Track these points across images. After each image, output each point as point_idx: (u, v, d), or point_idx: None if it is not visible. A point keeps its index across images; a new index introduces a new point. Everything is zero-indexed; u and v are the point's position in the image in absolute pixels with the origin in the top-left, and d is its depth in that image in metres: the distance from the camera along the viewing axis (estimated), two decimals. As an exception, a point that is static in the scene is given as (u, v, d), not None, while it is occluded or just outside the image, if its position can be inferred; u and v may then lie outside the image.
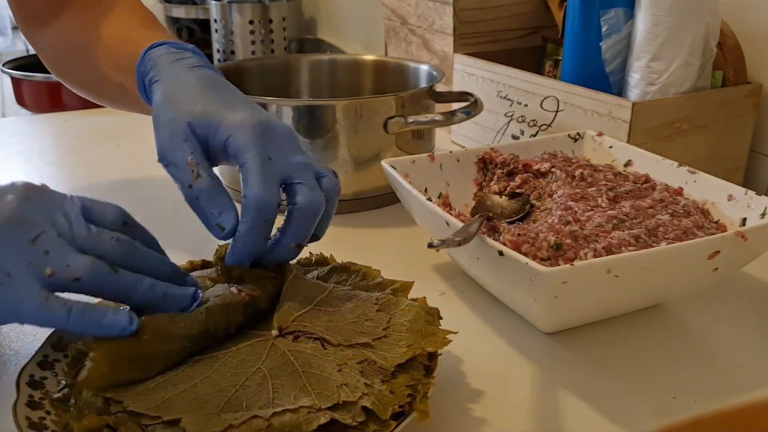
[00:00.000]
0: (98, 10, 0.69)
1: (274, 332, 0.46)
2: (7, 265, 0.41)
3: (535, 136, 0.88)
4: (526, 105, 0.90)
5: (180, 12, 1.91)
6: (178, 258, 0.57)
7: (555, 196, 0.64)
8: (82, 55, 0.70)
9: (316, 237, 0.53)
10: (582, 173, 0.66)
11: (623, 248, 0.54)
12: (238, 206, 0.49)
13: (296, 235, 0.50)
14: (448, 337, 0.47)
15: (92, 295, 0.43)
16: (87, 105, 0.93)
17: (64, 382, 0.45)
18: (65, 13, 0.71)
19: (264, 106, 0.78)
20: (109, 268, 0.43)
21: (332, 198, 0.53)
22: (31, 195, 0.44)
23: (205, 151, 0.51)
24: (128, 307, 0.45)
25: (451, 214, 0.60)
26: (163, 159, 0.51)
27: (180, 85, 0.55)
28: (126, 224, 0.47)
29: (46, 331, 0.50)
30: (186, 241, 0.71)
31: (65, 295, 0.42)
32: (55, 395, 0.44)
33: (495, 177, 0.70)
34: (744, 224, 0.59)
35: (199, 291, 0.47)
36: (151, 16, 0.70)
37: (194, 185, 0.49)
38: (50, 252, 0.42)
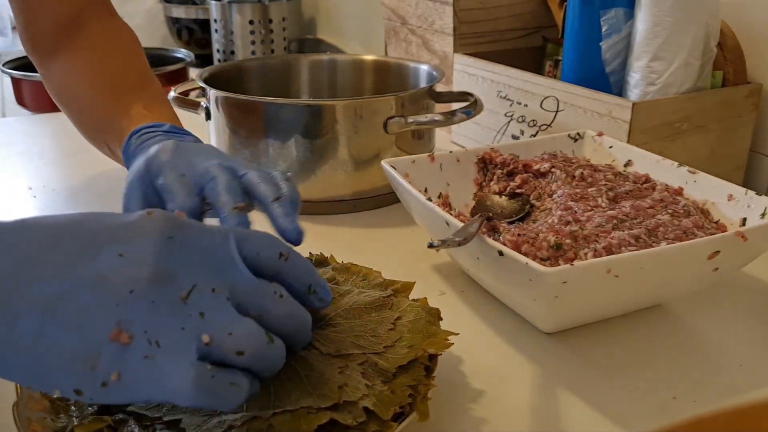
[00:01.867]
0: (91, 57, 0.70)
1: None
2: (155, 332, 0.33)
3: (535, 136, 0.88)
4: (526, 105, 0.90)
5: (180, 12, 1.91)
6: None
7: (555, 196, 0.64)
8: (75, 98, 0.71)
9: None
10: (582, 173, 0.66)
11: (623, 248, 0.54)
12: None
13: (224, 203, 0.48)
14: (449, 338, 0.47)
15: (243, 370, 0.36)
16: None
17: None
18: (64, 51, 0.71)
19: (264, 105, 0.78)
20: (266, 336, 0.36)
21: (267, 182, 0.50)
22: (174, 232, 0.36)
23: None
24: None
25: (451, 214, 0.60)
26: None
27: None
28: (282, 256, 0.39)
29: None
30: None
31: None
32: (56, 396, 0.44)
33: (495, 177, 0.70)
34: (744, 224, 0.59)
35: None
36: (141, 68, 0.72)
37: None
38: (206, 314, 0.34)
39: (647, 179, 0.66)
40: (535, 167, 0.68)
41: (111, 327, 0.33)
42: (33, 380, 0.33)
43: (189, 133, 0.63)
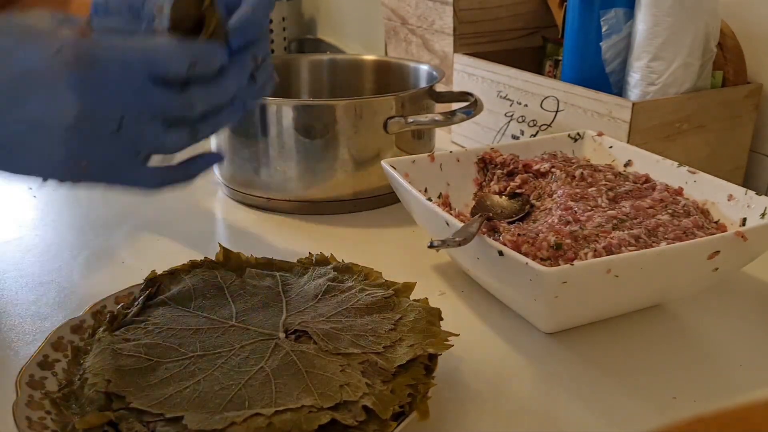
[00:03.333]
0: None
1: (281, 335, 0.46)
2: (104, 160, 0.42)
3: (535, 136, 0.88)
4: (526, 105, 0.90)
5: (180, 12, 1.91)
6: (179, 258, 0.57)
7: (555, 196, 0.64)
8: None
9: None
10: (582, 173, 0.66)
11: (623, 248, 0.54)
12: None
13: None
14: (449, 339, 0.47)
15: None
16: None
17: (64, 381, 0.45)
18: None
19: (264, 105, 0.78)
20: (191, 138, 0.44)
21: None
22: (86, 70, 0.40)
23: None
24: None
25: (451, 214, 0.60)
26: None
27: None
28: (192, 66, 0.42)
29: (46, 332, 0.50)
30: (187, 241, 0.71)
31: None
32: (56, 395, 0.44)
33: (495, 177, 0.70)
34: (744, 224, 0.59)
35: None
36: None
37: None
38: (140, 138, 0.42)
39: (647, 179, 0.66)
40: (535, 167, 0.68)
41: (72, 158, 0.42)
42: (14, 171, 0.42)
43: None
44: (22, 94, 0.40)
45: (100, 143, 0.41)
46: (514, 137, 0.92)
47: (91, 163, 0.42)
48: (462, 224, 0.54)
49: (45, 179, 0.43)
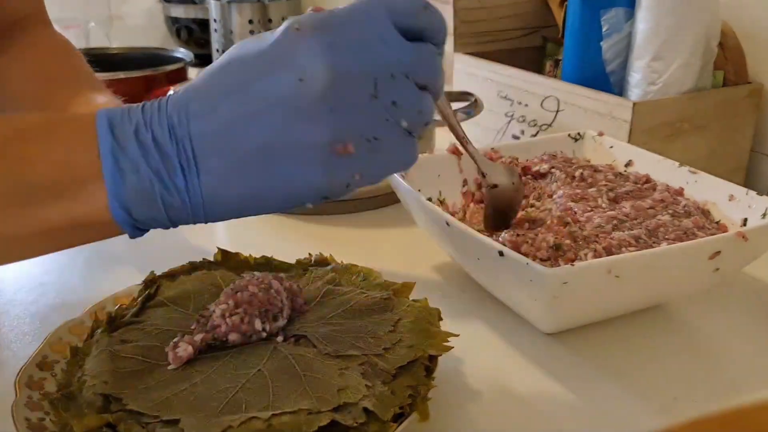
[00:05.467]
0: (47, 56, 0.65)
1: (279, 338, 0.46)
2: (370, 132, 0.37)
3: (535, 136, 0.88)
4: (526, 105, 0.89)
5: (179, 12, 1.91)
6: (179, 259, 0.57)
7: (555, 196, 0.64)
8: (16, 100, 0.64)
9: None
10: (582, 174, 0.66)
11: (623, 249, 0.54)
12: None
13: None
14: (449, 339, 0.47)
15: None
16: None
17: (63, 382, 0.45)
18: (10, 53, 0.65)
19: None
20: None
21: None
22: (331, 37, 0.36)
23: None
24: None
25: (451, 213, 0.60)
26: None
27: None
28: (426, 8, 0.39)
29: (45, 332, 0.50)
30: (186, 242, 0.71)
31: None
32: (54, 396, 0.43)
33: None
34: (745, 224, 0.59)
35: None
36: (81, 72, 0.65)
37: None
38: (397, 102, 0.37)
39: (648, 179, 0.66)
40: (535, 168, 0.68)
41: (333, 144, 0.36)
42: (286, 204, 0.39)
43: None
44: (266, 70, 0.37)
45: (361, 114, 0.37)
46: (515, 137, 0.92)
47: (358, 144, 0.37)
48: (462, 224, 0.54)
49: (314, 191, 0.38)
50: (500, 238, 0.55)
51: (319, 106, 0.36)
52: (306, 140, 0.36)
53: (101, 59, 1.12)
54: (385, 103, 0.37)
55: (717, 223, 0.60)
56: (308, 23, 0.37)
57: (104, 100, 0.60)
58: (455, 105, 0.81)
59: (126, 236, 0.40)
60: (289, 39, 0.37)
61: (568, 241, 0.54)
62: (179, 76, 1.49)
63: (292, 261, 0.58)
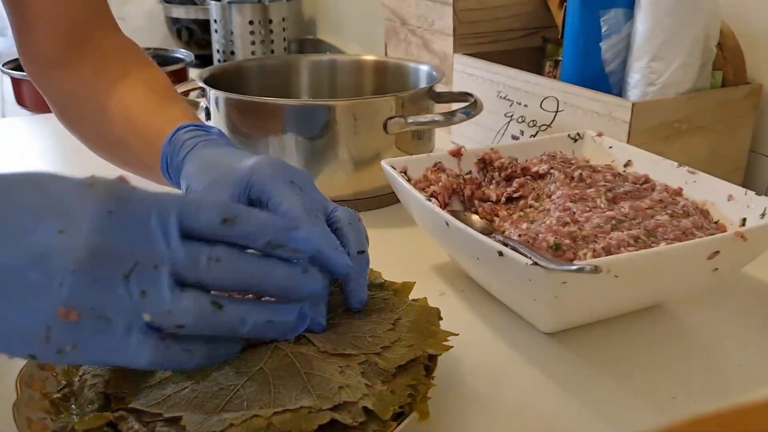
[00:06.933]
0: (115, 72, 0.67)
1: None
2: (102, 309, 0.35)
3: (535, 136, 0.88)
4: (526, 105, 0.90)
5: (180, 12, 1.91)
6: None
7: (554, 197, 0.64)
8: (96, 113, 0.67)
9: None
10: (581, 174, 0.66)
11: (622, 249, 0.54)
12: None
13: (357, 243, 0.49)
14: (449, 339, 0.47)
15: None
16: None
17: (64, 382, 0.45)
18: (76, 66, 0.68)
19: (264, 106, 0.78)
20: (211, 305, 0.37)
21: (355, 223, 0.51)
22: (115, 206, 0.36)
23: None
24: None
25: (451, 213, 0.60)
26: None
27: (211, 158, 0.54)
28: (226, 221, 0.38)
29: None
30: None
31: None
32: (55, 395, 0.44)
33: (493, 181, 0.70)
34: (744, 224, 0.59)
35: (305, 308, 0.41)
36: (168, 84, 0.68)
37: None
38: (147, 292, 0.35)
39: (647, 180, 0.66)
40: (534, 169, 0.68)
41: (58, 305, 0.34)
42: None
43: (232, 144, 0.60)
44: (36, 220, 0.35)
45: (103, 288, 0.35)
46: (514, 137, 0.92)
47: (85, 316, 0.35)
48: (461, 224, 0.54)
49: (26, 340, 0.35)
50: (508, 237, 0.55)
51: (65, 260, 0.34)
52: (38, 286, 0.34)
53: (101, 59, 1.12)
54: (133, 288, 0.35)
55: (716, 223, 0.61)
56: (104, 186, 0.36)
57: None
58: (455, 105, 0.82)
59: None
60: (77, 191, 0.36)
61: (567, 241, 0.54)
62: (180, 76, 1.49)
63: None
